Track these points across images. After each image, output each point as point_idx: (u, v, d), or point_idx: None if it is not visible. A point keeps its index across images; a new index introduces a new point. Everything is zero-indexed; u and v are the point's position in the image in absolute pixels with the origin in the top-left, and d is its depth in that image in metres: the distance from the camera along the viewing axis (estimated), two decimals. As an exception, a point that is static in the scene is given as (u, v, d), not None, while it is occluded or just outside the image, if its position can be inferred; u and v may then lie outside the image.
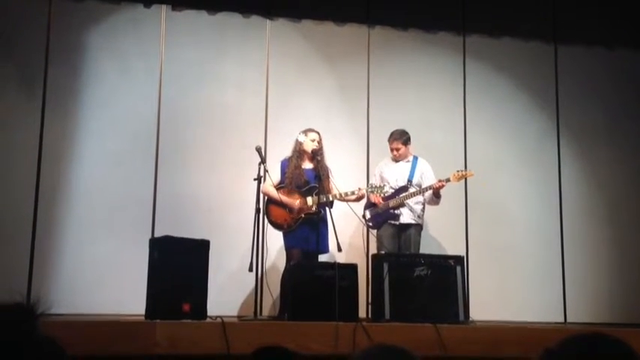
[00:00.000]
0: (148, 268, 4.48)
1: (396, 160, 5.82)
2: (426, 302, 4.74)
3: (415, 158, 5.83)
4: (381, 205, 5.63)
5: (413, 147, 5.89)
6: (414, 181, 5.72)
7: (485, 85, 6.88)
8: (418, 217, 5.71)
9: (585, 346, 1.43)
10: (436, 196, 5.63)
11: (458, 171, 5.65)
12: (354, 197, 5.43)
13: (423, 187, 5.67)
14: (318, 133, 5.52)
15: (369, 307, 5.10)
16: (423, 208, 5.76)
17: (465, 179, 6.05)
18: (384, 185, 5.55)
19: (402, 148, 5.78)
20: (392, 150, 5.81)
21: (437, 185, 5.53)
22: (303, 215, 5.33)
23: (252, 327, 4.31)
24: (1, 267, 5.51)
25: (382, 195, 5.56)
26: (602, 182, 6.93)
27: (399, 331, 4.36)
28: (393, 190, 5.66)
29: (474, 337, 4.45)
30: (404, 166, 5.81)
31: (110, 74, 6.14)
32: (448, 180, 5.55)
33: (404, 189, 5.67)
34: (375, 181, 5.82)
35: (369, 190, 5.50)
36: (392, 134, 5.83)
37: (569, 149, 6.93)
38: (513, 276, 6.57)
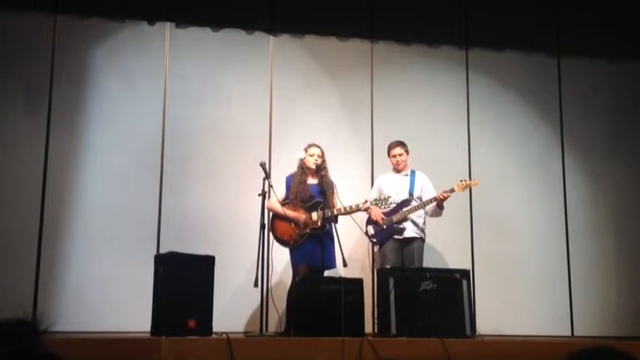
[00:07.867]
0: (153, 284, 4.48)
1: (397, 169, 5.80)
2: (433, 317, 4.71)
3: (413, 172, 5.82)
4: (384, 221, 5.62)
5: (417, 160, 5.88)
6: (415, 194, 5.71)
7: (489, 98, 6.89)
8: (421, 230, 5.69)
9: (594, 360, 1.42)
10: (439, 207, 5.61)
11: (462, 181, 5.62)
12: (359, 210, 5.41)
13: (423, 200, 5.65)
14: (320, 148, 5.52)
15: (375, 321, 5.08)
16: (425, 221, 5.74)
17: (470, 189, 6.02)
18: (390, 197, 5.50)
19: (404, 155, 5.78)
20: (394, 157, 5.78)
21: (442, 196, 5.51)
22: (308, 230, 5.32)
23: (258, 343, 4.30)
24: (7, 283, 5.52)
25: (387, 206, 5.52)
26: (607, 193, 6.92)
27: (406, 346, 4.33)
28: (395, 205, 5.64)
29: (481, 351, 4.43)
30: (403, 180, 5.79)
31: (115, 91, 6.17)
32: (452, 190, 5.53)
33: (406, 203, 5.65)
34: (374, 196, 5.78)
35: (374, 202, 5.48)
36: (391, 143, 5.84)
37: (574, 161, 6.93)
38: (520, 289, 6.54)
